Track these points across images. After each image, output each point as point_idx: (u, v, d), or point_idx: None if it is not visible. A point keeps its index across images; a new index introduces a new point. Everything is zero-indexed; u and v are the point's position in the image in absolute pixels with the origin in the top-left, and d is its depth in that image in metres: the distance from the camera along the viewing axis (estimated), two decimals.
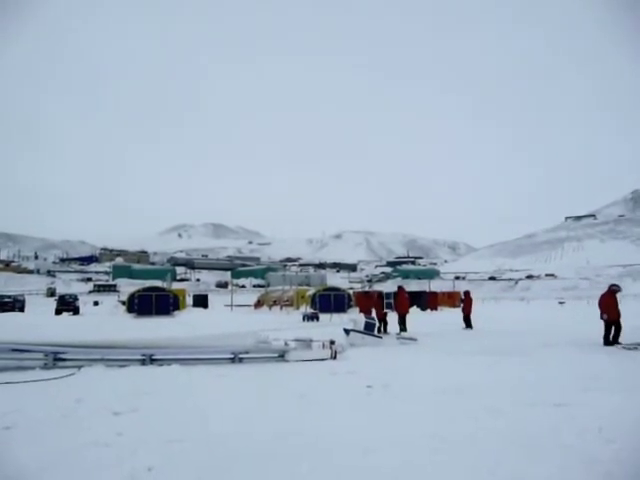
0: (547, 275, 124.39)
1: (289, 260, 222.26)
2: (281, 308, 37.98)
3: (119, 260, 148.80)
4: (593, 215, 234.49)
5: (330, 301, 35.14)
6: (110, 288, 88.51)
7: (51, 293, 73.28)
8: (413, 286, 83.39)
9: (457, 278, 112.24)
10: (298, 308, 34.98)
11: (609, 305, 12.00)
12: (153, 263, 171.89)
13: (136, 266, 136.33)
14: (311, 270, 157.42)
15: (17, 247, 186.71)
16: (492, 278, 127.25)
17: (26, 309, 36.93)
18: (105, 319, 28.10)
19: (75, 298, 39.57)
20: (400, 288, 18.39)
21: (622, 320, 12.03)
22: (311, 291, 38.14)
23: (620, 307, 12.25)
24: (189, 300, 41.85)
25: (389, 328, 16.60)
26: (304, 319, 25.48)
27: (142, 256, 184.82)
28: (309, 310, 31.25)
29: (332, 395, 6.25)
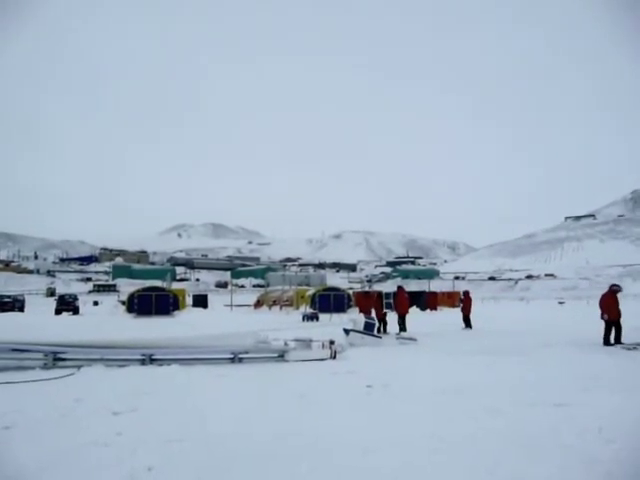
0: (547, 275, 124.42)
1: (289, 260, 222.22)
2: (281, 308, 37.96)
3: (119, 260, 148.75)
4: (593, 215, 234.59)
5: (330, 301, 35.12)
6: (110, 288, 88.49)
7: (51, 293, 73.25)
8: (413, 286, 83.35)
9: (457, 278, 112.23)
10: (298, 308, 34.95)
11: (610, 305, 11.99)
12: (153, 263, 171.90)
13: (136, 266, 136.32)
14: (311, 270, 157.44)
15: (17, 247, 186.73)
16: (492, 278, 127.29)
17: (26, 309, 36.91)
18: (105, 319, 28.08)
19: (75, 298, 39.54)
20: (400, 288, 18.39)
21: (622, 320, 12.04)
22: (311, 291, 38.11)
23: (620, 307, 12.25)
24: (189, 300, 41.79)
25: (389, 328, 16.59)
26: (304, 319, 25.46)
27: (142, 256, 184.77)
28: (309, 310, 31.24)
29: (332, 395, 6.25)
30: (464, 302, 19.25)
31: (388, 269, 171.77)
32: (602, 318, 12.08)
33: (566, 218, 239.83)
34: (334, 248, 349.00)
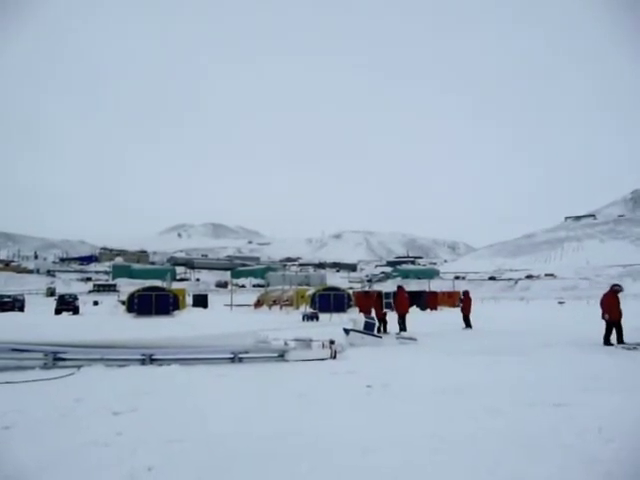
0: (547, 275, 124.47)
1: (289, 260, 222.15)
2: (281, 308, 37.95)
3: (119, 260, 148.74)
4: (593, 215, 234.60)
5: (330, 301, 35.13)
6: (110, 288, 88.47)
7: (51, 293, 73.25)
8: (413, 286, 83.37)
9: (457, 278, 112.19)
10: (298, 308, 34.96)
11: (611, 305, 11.97)
12: (153, 263, 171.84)
13: (136, 266, 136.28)
14: (311, 270, 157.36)
15: (17, 247, 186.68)
16: (492, 278, 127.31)
17: (26, 309, 36.91)
18: (105, 319, 28.07)
19: (75, 298, 39.52)
20: (399, 288, 18.39)
21: (622, 320, 12.02)
22: (311, 291, 38.12)
23: (621, 307, 12.23)
24: (189, 300, 41.81)
25: (389, 328, 16.59)
26: (304, 319, 25.46)
27: (142, 256, 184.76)
28: (309, 310, 31.24)
29: (332, 395, 6.24)
30: (464, 302, 19.25)
31: (388, 269, 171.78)
32: (603, 318, 12.06)
33: (566, 218, 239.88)
34: (334, 248, 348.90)
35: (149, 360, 8.62)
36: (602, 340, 11.90)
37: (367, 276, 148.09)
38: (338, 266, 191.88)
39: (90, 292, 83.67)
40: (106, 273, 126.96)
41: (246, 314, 33.90)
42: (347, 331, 12.19)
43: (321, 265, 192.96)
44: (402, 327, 16.28)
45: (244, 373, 8.08)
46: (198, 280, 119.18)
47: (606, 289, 12.77)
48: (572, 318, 24.47)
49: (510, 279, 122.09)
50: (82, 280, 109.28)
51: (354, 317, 13.93)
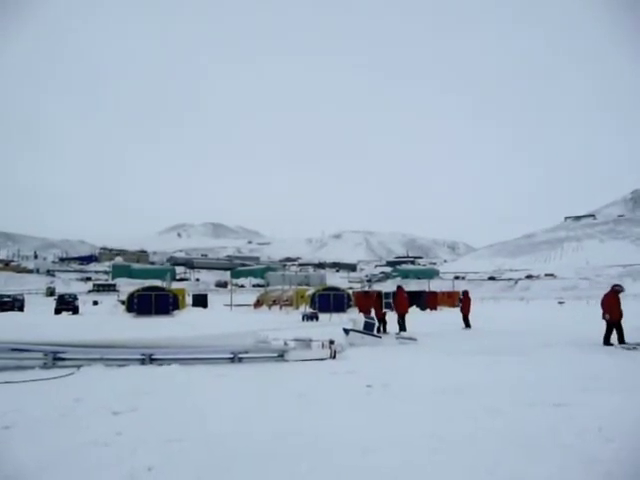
0: (546, 275, 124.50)
1: (288, 260, 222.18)
2: (280, 308, 37.95)
3: (118, 260, 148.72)
4: (593, 215, 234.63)
5: (329, 301, 35.12)
6: (109, 288, 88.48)
7: (50, 292, 73.24)
8: (412, 286, 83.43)
9: (457, 278, 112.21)
10: (297, 308, 34.96)
11: (612, 305, 11.96)
12: (152, 263, 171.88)
13: (135, 266, 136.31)
14: (310, 270, 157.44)
15: (16, 246, 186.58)
16: (491, 278, 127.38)
17: (25, 308, 36.88)
18: (104, 319, 28.06)
19: (74, 298, 39.48)
20: (399, 288, 18.37)
21: (622, 320, 12.01)
22: (310, 291, 38.11)
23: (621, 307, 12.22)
24: (189, 300, 41.78)
25: (388, 328, 16.59)
26: (303, 319, 25.45)
27: (141, 256, 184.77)
28: (308, 310, 31.24)
29: (331, 395, 6.25)
30: (463, 302, 19.26)
31: (388, 269, 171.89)
32: (604, 318, 12.05)
33: (566, 218, 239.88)
34: (334, 248, 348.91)
35: (149, 360, 8.62)
36: (602, 340, 11.89)
37: (367, 276, 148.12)
38: (338, 266, 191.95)
39: (90, 292, 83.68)
40: (106, 273, 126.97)
41: (246, 314, 33.89)
42: (347, 331, 12.19)
43: (321, 265, 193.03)
44: (402, 327, 16.27)
45: (244, 373, 8.08)
46: (198, 280, 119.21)
47: (606, 289, 12.75)
48: (572, 318, 24.47)
49: (510, 279, 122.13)
50: (82, 280, 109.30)
51: (354, 317, 13.92)
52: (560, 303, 53.01)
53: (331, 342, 9.83)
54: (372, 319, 13.34)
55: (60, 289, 76.57)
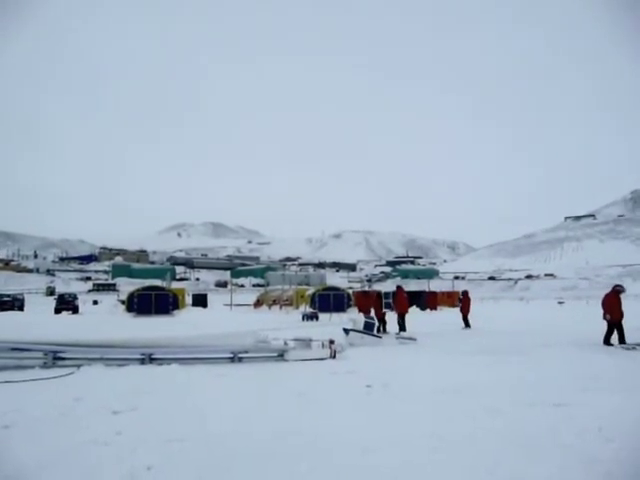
0: (546, 275, 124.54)
1: (288, 259, 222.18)
2: (280, 307, 37.94)
3: (118, 259, 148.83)
4: (592, 215, 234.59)
5: (329, 301, 35.11)
6: (109, 287, 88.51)
7: (50, 292, 73.25)
8: (412, 286, 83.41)
9: (456, 278, 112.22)
10: (297, 307, 34.96)
11: (612, 305, 11.95)
12: (152, 262, 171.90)
13: (135, 265, 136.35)
14: (310, 269, 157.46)
15: (16, 246, 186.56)
16: (491, 278, 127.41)
17: (25, 308, 36.90)
18: (104, 318, 28.07)
19: (74, 297, 39.48)
20: (399, 288, 18.37)
21: (623, 320, 12.01)
22: (310, 291, 38.11)
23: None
24: (188, 299, 41.78)
25: (388, 328, 16.58)
26: (303, 318, 25.46)
27: (141, 255, 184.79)
28: (308, 310, 31.24)
29: (331, 395, 6.25)
30: (463, 302, 19.26)
31: (388, 269, 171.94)
32: (604, 318, 12.05)
33: (566, 218, 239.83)
34: (334, 248, 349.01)
35: (149, 359, 8.61)
36: (602, 340, 11.89)
37: (367, 276, 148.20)
38: (338, 266, 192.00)
39: (90, 291, 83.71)
40: (106, 272, 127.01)
41: (246, 314, 33.90)
42: (347, 331, 12.19)
43: (321, 265, 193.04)
44: (402, 327, 16.27)
45: (244, 373, 8.08)
46: (198, 280, 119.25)
47: (607, 289, 12.73)
48: (572, 318, 24.48)
49: (510, 279, 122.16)
50: (82, 279, 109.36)
51: (354, 317, 13.92)
52: (560, 303, 53.04)
53: (331, 342, 9.83)
54: (372, 319, 13.34)
55: (60, 289, 76.60)
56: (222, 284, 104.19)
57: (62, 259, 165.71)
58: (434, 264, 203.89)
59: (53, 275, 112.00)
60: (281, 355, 9.39)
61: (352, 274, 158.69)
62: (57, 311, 35.07)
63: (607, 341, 11.84)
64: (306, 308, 32.68)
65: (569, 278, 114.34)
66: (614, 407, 5.49)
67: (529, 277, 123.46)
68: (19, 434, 4.54)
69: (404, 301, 17.52)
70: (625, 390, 6.40)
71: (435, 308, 38.74)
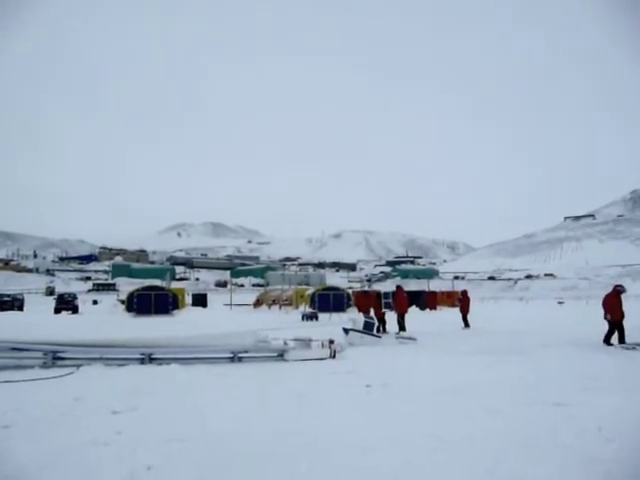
0: (546, 275, 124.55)
1: (288, 259, 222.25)
2: (280, 307, 37.94)
3: (118, 259, 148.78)
4: (592, 215, 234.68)
5: (329, 300, 35.10)
6: (109, 287, 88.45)
7: (50, 292, 73.21)
8: (412, 286, 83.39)
9: (456, 278, 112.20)
10: (297, 307, 34.95)
11: (613, 305, 11.95)
12: (152, 262, 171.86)
13: (135, 265, 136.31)
14: (310, 269, 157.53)
15: (16, 246, 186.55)
16: (491, 278, 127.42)
17: (25, 308, 36.85)
18: (104, 318, 28.07)
19: (74, 297, 39.45)
20: (398, 287, 18.36)
21: (624, 321, 12.00)
22: (310, 290, 38.09)
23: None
24: (188, 299, 41.75)
25: (388, 327, 16.58)
26: (303, 318, 25.46)
27: (141, 255, 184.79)
28: (308, 309, 31.24)
29: (331, 394, 6.24)
30: (462, 302, 19.27)
31: (388, 269, 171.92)
32: (605, 318, 12.05)
33: (565, 218, 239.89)
34: (334, 247, 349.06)
35: (148, 359, 8.61)
36: (602, 339, 11.89)
37: (366, 276, 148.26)
38: (337, 266, 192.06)
39: (89, 291, 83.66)
40: (105, 272, 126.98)
41: (245, 314, 33.89)
42: (346, 331, 12.19)
43: (320, 265, 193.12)
44: (401, 327, 16.27)
45: (243, 373, 8.08)
46: (197, 279, 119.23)
47: (606, 289, 12.73)
48: (572, 318, 24.48)
49: (510, 279, 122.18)
50: (81, 279, 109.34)
51: (353, 317, 13.92)
52: (560, 303, 53.06)
53: (331, 342, 9.83)
54: (372, 319, 13.33)
55: (60, 288, 76.55)
56: (222, 284, 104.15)
57: (62, 259, 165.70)
58: (434, 264, 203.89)
59: (53, 275, 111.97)
60: (281, 355, 9.39)
61: (352, 274, 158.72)
62: (57, 311, 35.05)
63: (608, 341, 11.84)
64: (306, 308, 32.68)
65: (569, 278, 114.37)
66: (614, 407, 5.49)
67: (529, 277, 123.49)
68: (19, 434, 4.53)
69: (404, 301, 17.52)
70: (625, 390, 6.40)
71: (435, 308, 38.73)
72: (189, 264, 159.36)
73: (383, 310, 17.36)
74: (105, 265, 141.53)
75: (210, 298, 45.80)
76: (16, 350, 8.25)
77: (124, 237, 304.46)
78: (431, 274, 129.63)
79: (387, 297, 25.34)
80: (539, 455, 3.92)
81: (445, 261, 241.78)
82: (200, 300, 42.90)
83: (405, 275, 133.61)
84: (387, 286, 73.51)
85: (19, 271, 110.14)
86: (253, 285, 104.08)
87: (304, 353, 9.57)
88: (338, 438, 4.34)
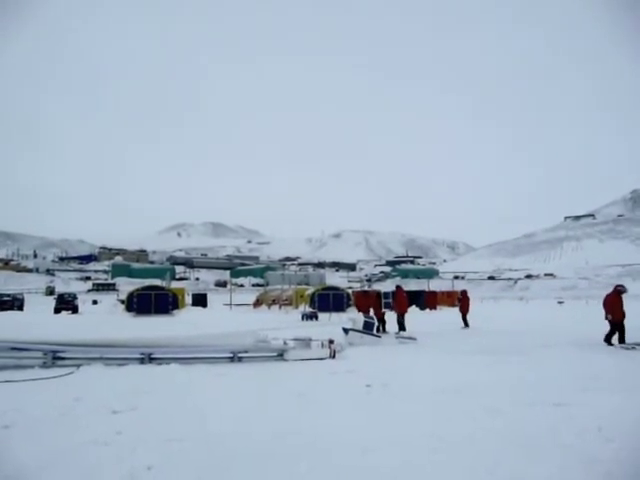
0: (546, 275, 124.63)
1: (288, 259, 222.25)
2: (280, 307, 37.93)
3: (118, 259, 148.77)
4: (592, 215, 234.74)
5: (329, 300, 35.08)
6: (109, 287, 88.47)
7: (50, 292, 73.21)
8: (412, 285, 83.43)
9: (456, 277, 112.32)
10: (297, 307, 34.94)
11: (614, 305, 11.94)
12: (152, 262, 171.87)
13: (135, 265, 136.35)
14: (310, 269, 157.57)
15: (16, 246, 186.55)
16: (491, 278, 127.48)
17: (25, 308, 36.87)
18: (104, 318, 28.06)
19: (74, 297, 39.44)
20: (398, 287, 18.35)
21: (625, 321, 11.99)
22: (310, 290, 38.08)
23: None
24: (188, 299, 41.75)
25: (388, 327, 16.58)
26: (303, 318, 25.45)
27: (141, 255, 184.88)
28: (308, 309, 31.22)
29: (331, 394, 6.24)
30: (462, 302, 19.26)
31: (387, 268, 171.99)
32: (606, 318, 12.05)
33: (566, 218, 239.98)
34: (333, 247, 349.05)
35: (148, 359, 8.61)
36: (603, 339, 11.89)
37: (366, 275, 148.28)
38: (337, 265, 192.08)
39: (89, 291, 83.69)
40: (105, 272, 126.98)
41: (245, 313, 33.89)
42: (346, 330, 12.19)
43: (320, 264, 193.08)
44: (401, 327, 16.27)
45: (243, 372, 8.08)
46: (197, 279, 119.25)
47: (606, 289, 12.72)
48: (571, 318, 24.49)
49: (509, 279, 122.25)
50: (81, 279, 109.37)
51: (353, 316, 13.92)
52: (559, 303, 53.10)
53: (331, 342, 9.83)
54: (371, 318, 13.33)
55: (60, 288, 76.58)
56: (222, 284, 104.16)
57: (62, 259, 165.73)
58: (434, 264, 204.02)
59: (53, 275, 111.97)
60: (281, 355, 9.39)
61: (352, 274, 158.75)
62: (57, 311, 35.03)
63: (608, 340, 11.84)
64: (305, 308, 32.67)
65: (569, 278, 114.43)
66: (614, 407, 5.49)
67: (529, 277, 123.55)
68: (19, 434, 4.53)
69: (404, 301, 17.51)
70: (625, 390, 6.40)
71: (435, 308, 38.73)
72: (189, 264, 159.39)
73: (383, 310, 17.35)
74: (105, 265, 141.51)
75: (210, 298, 45.79)
76: (16, 350, 8.25)
77: (124, 237, 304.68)
78: (431, 274, 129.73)
79: (387, 297, 25.33)
80: (539, 455, 3.92)
81: (445, 261, 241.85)
82: (200, 300, 42.89)
83: (405, 275, 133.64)
84: (387, 286, 73.49)
85: (19, 271, 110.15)
86: (253, 285, 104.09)
87: (304, 353, 9.57)
88: (338, 438, 4.34)
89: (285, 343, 9.76)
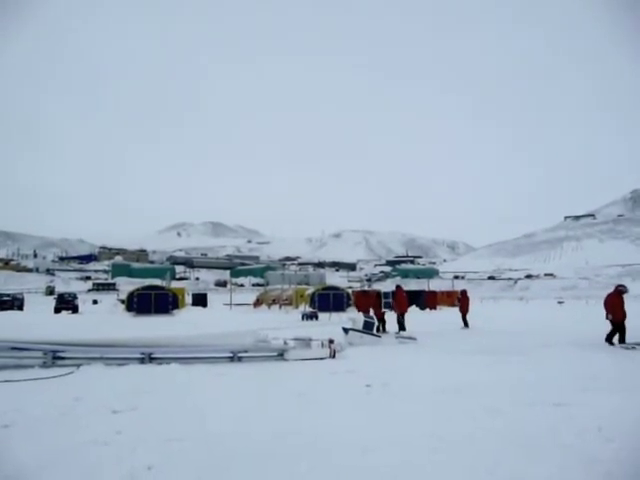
0: (546, 275, 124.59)
1: (288, 259, 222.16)
2: (280, 307, 37.93)
3: (118, 259, 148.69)
4: (592, 215, 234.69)
5: (329, 300, 35.09)
6: (109, 287, 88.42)
7: (50, 291, 73.17)
8: (412, 285, 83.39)
9: (456, 277, 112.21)
10: (297, 307, 34.94)
11: (615, 306, 11.94)
12: (152, 262, 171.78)
13: (135, 265, 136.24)
14: (310, 269, 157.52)
15: (16, 245, 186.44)
16: (491, 278, 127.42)
17: (25, 307, 36.85)
18: (104, 318, 28.06)
19: (74, 297, 39.42)
20: (398, 287, 18.35)
21: (625, 321, 11.99)
22: (310, 290, 38.08)
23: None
24: (188, 299, 41.74)
25: (388, 327, 16.58)
26: (303, 318, 25.46)
27: (141, 255, 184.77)
28: (308, 309, 31.22)
29: (331, 394, 6.24)
30: (461, 302, 19.26)
31: (387, 268, 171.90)
32: (607, 318, 12.05)
33: (566, 218, 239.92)
34: (333, 247, 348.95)
35: (148, 359, 8.61)
36: (604, 338, 11.89)
37: (366, 275, 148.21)
38: (337, 265, 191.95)
39: (89, 291, 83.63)
40: (105, 272, 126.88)
41: (245, 313, 33.88)
42: (346, 330, 12.19)
43: (320, 264, 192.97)
44: (401, 326, 16.27)
45: (243, 372, 8.08)
46: (197, 279, 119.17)
47: (606, 289, 12.72)
48: (571, 318, 24.48)
49: (509, 279, 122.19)
50: (81, 279, 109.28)
51: (353, 316, 13.92)
52: (559, 303, 53.07)
53: (331, 341, 9.83)
54: (371, 318, 13.33)
55: (60, 288, 76.54)
56: (222, 283, 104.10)
57: (62, 258, 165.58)
58: (434, 264, 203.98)
59: (53, 274, 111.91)
60: (281, 355, 9.39)
61: (352, 274, 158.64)
62: (57, 310, 35.02)
63: (609, 340, 11.84)
64: (306, 308, 32.67)
65: (569, 278, 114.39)
66: (614, 407, 5.49)
67: (529, 277, 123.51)
68: (19, 434, 4.53)
69: (404, 300, 17.51)
70: (625, 390, 6.40)
71: (435, 308, 38.71)
72: (189, 264, 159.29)
73: (383, 310, 17.35)
74: (105, 265, 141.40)
75: (210, 298, 45.76)
76: (16, 350, 8.25)
77: (124, 237, 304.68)
78: (431, 274, 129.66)
79: (387, 297, 25.30)
80: (539, 455, 3.92)
81: (445, 261, 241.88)
82: (200, 300, 42.86)
83: (405, 275, 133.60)
84: (387, 286, 73.45)
85: (19, 271, 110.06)
86: (253, 285, 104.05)
87: (304, 353, 9.57)
88: (338, 438, 4.34)
89: (285, 343, 9.76)
